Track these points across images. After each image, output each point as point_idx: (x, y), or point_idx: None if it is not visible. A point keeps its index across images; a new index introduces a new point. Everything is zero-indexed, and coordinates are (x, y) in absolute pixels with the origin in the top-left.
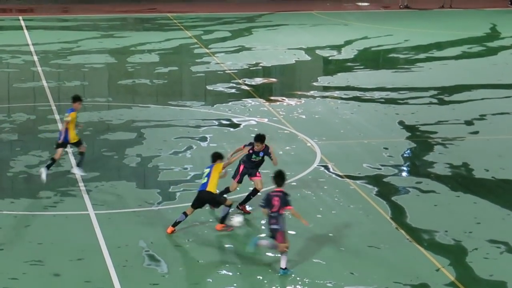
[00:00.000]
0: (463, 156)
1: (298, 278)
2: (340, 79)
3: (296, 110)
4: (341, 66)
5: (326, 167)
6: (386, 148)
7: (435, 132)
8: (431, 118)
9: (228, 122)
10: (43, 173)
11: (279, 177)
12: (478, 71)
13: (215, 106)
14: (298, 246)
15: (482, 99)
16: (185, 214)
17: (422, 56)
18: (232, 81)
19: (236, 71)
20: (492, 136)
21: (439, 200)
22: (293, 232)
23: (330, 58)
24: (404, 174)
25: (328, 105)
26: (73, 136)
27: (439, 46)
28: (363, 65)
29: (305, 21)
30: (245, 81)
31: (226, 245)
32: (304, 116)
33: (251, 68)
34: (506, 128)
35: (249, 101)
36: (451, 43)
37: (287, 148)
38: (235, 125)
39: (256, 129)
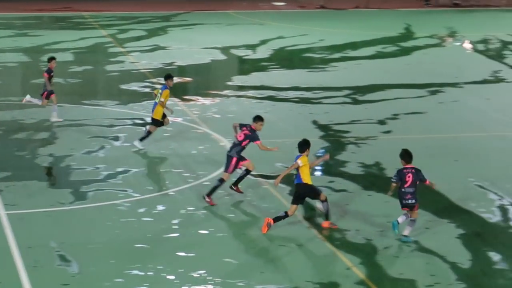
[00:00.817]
0: (375, 155)
1: (208, 278)
2: (254, 78)
3: (210, 110)
4: (256, 66)
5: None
6: None
7: (348, 132)
8: (344, 117)
9: (141, 121)
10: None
11: (407, 155)
12: (391, 71)
13: (129, 105)
14: (210, 246)
15: (395, 98)
16: (286, 213)
17: (336, 55)
18: (146, 80)
19: (151, 70)
20: (405, 135)
21: (351, 199)
22: (205, 232)
23: (245, 57)
24: (317, 173)
25: (242, 104)
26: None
27: (354, 46)
28: (278, 64)
29: (221, 20)
30: (159, 80)
31: (137, 245)
32: (218, 116)
33: (166, 68)
34: (419, 127)
35: None
36: (366, 43)
37: (201, 147)
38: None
39: (170, 128)
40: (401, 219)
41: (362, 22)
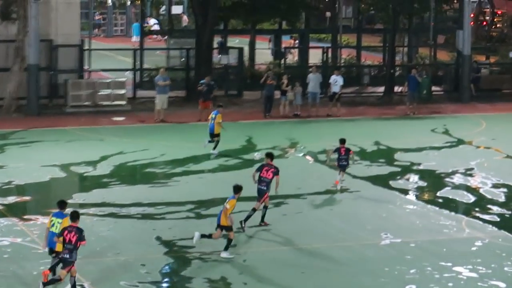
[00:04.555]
0: (221, 271)
1: None
2: (95, 195)
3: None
4: (97, 182)
5: (82, 286)
6: (144, 265)
7: (193, 247)
8: (188, 232)
9: None
10: None
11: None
12: (233, 182)
13: None
14: None
15: (240, 211)
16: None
17: (178, 170)
18: None
19: None
20: (249, 249)
21: None
22: None
23: (85, 174)
24: None
25: (84, 222)
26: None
27: (196, 159)
28: (120, 180)
29: (59, 137)
30: None
31: None
32: None
33: (3, 187)
34: (263, 240)
35: (1, 221)
36: (207, 156)
37: (42, 268)
38: None
39: (9, 249)
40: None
41: (203, 136)
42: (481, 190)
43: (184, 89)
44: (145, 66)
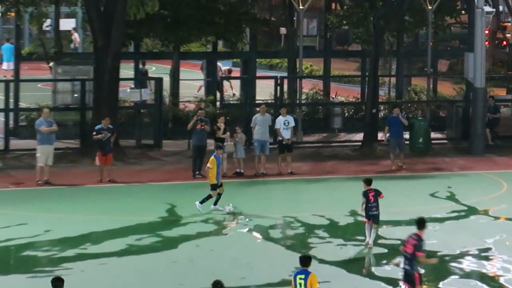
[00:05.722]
0: None
1: None
2: None
3: None
4: None
5: None
6: None
7: None
8: None
9: None
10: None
11: None
12: (150, 273)
13: None
14: None
15: None
16: None
17: (70, 252)
18: None
19: None
20: None
21: None
22: None
23: None
24: None
25: None
26: None
27: (96, 237)
28: None
29: None
30: None
31: None
32: None
33: None
34: None
35: None
36: (113, 233)
37: None
38: None
39: None
40: None
41: (107, 203)
42: (501, 280)
43: (78, 137)
44: (22, 105)
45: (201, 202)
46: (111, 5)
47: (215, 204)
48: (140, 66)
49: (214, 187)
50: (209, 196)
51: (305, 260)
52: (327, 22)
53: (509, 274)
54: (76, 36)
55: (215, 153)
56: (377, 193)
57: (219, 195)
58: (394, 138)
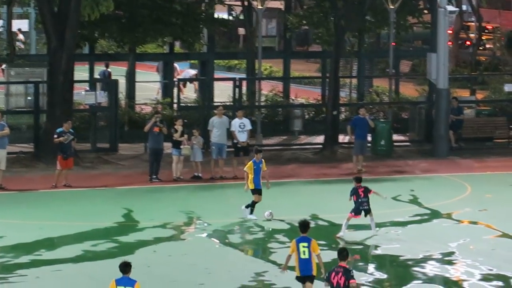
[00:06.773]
0: None
1: None
2: None
3: None
4: None
5: None
6: None
7: None
8: None
9: None
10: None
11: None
12: (104, 279)
13: None
14: None
15: None
16: None
17: (25, 259)
18: None
19: None
20: None
21: None
22: None
23: None
24: None
25: None
26: None
27: (50, 243)
28: None
29: None
30: None
31: None
32: None
33: None
34: None
35: None
36: (69, 239)
37: None
38: None
39: None
40: None
41: (62, 207)
42: (465, 284)
43: (32, 141)
44: None
45: (251, 212)
46: (64, 6)
47: (247, 207)
48: (104, 68)
49: (253, 191)
50: (254, 203)
51: (306, 226)
52: (286, 22)
53: (473, 278)
54: (21, 37)
55: (254, 158)
56: (367, 190)
57: (254, 203)
58: (359, 140)
